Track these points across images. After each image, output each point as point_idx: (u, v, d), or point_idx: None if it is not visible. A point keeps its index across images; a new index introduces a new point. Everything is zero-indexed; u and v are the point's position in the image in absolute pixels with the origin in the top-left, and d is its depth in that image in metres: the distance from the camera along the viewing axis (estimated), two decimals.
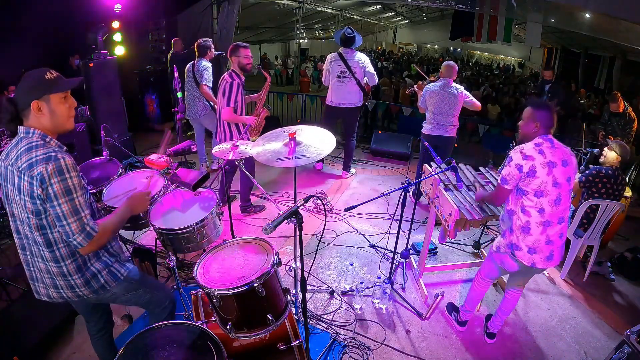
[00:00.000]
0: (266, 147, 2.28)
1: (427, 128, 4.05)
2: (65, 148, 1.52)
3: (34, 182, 1.38)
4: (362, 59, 4.39)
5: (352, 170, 5.12)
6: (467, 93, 3.88)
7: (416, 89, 4.34)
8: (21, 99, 1.43)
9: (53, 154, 1.41)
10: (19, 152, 1.43)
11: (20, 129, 1.46)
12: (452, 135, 4.00)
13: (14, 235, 1.57)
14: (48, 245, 1.50)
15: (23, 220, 1.49)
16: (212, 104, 4.51)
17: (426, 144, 2.94)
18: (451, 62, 3.94)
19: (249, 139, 3.41)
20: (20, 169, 1.41)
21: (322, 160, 5.16)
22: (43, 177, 1.38)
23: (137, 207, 1.72)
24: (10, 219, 1.56)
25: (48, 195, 1.40)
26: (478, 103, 3.92)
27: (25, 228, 1.50)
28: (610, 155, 3.21)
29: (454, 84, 3.86)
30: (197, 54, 4.49)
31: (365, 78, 4.49)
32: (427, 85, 4.01)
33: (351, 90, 4.43)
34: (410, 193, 3.48)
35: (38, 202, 1.42)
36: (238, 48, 3.39)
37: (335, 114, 4.63)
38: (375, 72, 4.50)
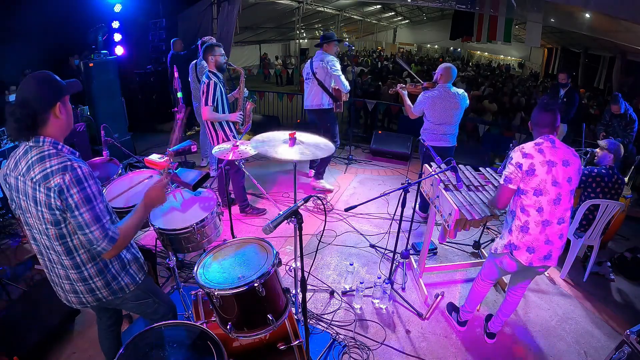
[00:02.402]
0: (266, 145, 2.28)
1: (427, 138, 3.64)
2: (78, 154, 1.48)
3: (52, 194, 1.35)
4: (326, 59, 4.15)
5: (323, 182, 4.60)
6: (467, 96, 3.61)
7: (399, 89, 3.78)
8: (43, 103, 1.36)
9: (69, 163, 1.37)
10: (30, 162, 1.37)
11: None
12: (453, 145, 3.70)
13: (31, 242, 1.55)
14: (68, 253, 1.48)
15: (41, 230, 1.45)
16: None
17: (426, 143, 2.92)
18: (449, 64, 3.56)
19: (235, 137, 3.40)
20: (34, 180, 1.36)
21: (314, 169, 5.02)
22: (62, 189, 1.34)
23: (155, 201, 1.63)
24: (24, 227, 1.53)
25: (68, 205, 1.37)
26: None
27: (44, 238, 1.47)
28: (600, 154, 3.23)
29: (455, 88, 3.54)
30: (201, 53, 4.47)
31: (334, 82, 4.26)
32: (426, 93, 3.57)
33: (312, 91, 4.35)
34: (418, 207, 3.31)
35: (57, 212, 1.38)
36: (214, 47, 3.35)
37: (310, 117, 4.62)
38: (343, 79, 4.15)
